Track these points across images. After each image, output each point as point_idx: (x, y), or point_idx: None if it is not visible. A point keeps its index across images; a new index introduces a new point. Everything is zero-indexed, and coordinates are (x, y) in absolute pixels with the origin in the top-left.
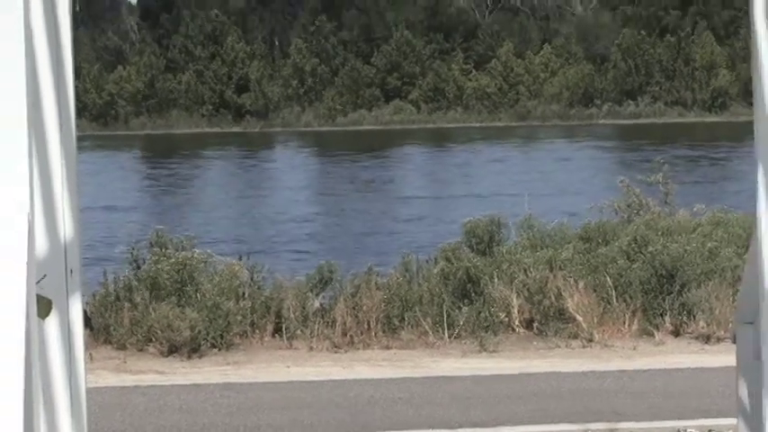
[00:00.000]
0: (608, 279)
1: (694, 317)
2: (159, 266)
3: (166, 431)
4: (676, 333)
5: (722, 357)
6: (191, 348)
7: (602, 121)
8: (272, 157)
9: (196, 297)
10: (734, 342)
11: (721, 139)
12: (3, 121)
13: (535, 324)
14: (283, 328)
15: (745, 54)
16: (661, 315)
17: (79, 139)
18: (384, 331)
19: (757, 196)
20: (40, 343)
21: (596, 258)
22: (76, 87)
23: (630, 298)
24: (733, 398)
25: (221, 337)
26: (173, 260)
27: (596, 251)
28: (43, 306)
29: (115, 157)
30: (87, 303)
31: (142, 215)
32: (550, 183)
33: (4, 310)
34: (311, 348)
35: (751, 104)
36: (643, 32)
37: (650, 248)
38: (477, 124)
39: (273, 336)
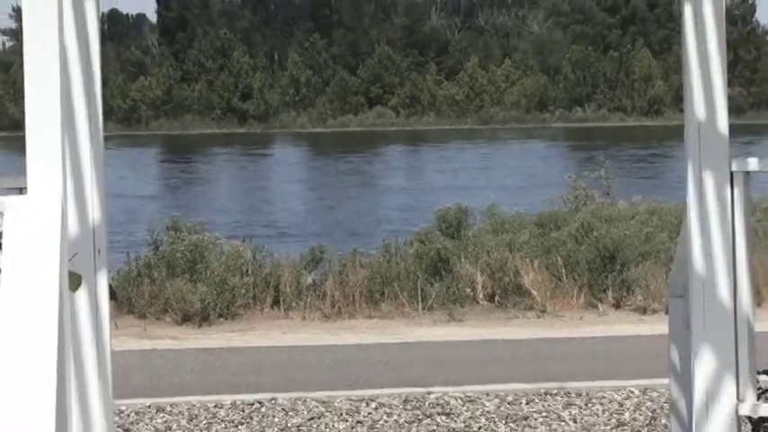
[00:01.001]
0: (559, 259)
1: (633, 292)
2: (174, 247)
3: (180, 387)
4: (617, 306)
5: (657, 326)
6: (201, 318)
7: (554, 125)
8: (272, 154)
9: (206, 274)
10: (666, 313)
11: (656, 139)
12: (40, 121)
13: (496, 298)
14: (281, 301)
15: (677, 67)
16: (604, 290)
17: (106, 138)
18: (367, 303)
19: (687, 188)
20: (71, 312)
21: (549, 241)
22: (104, 94)
23: (578, 275)
24: (665, 361)
25: (227, 308)
26: (186, 242)
27: (549, 235)
28: (74, 280)
29: (137, 153)
30: (113, 278)
31: (161, 203)
32: (510, 176)
33: (39, 284)
34: (304, 318)
35: (681, 111)
36: (590, 48)
37: (595, 233)
38: (448, 127)
39: (272, 307)
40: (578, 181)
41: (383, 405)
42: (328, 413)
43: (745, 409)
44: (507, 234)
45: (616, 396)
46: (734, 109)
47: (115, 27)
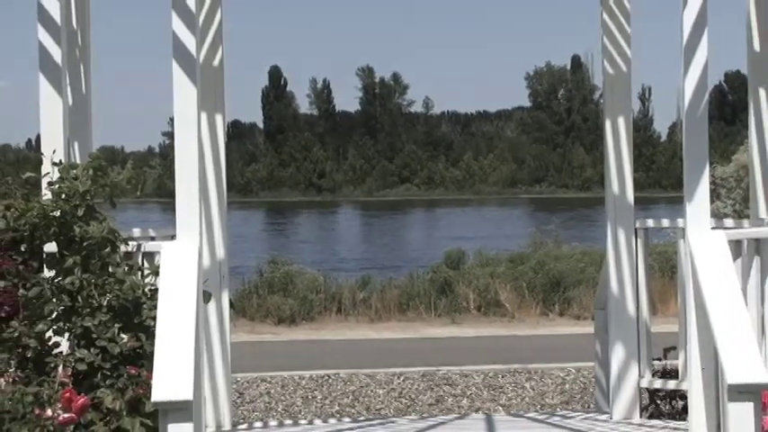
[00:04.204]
0: (524, 284)
1: (571, 305)
2: (273, 274)
3: (277, 366)
4: (562, 314)
5: (587, 328)
6: (290, 320)
7: (521, 196)
8: (338, 213)
9: (294, 292)
10: (593, 320)
11: (587, 206)
12: (185, 192)
13: (482, 309)
14: (342, 310)
15: (601, 159)
16: (553, 304)
17: (228, 203)
18: (398, 312)
19: (606, 238)
20: (204, 317)
21: (517, 272)
22: (227, 174)
23: (536, 294)
24: (592, 351)
25: (308, 314)
26: (281, 271)
27: (517, 268)
28: (206, 296)
29: (250, 213)
30: (232, 295)
31: (265, 243)
32: (492, 229)
33: (184, 299)
34: (358, 321)
35: (603, 187)
36: (544, 146)
37: (547, 267)
38: (452, 197)
39: (337, 314)
40: (537, 232)
41: (408, 378)
42: (372, 383)
43: (644, 383)
44: (490, 267)
45: (560, 373)
46: (637, 186)
47: (236, 130)
